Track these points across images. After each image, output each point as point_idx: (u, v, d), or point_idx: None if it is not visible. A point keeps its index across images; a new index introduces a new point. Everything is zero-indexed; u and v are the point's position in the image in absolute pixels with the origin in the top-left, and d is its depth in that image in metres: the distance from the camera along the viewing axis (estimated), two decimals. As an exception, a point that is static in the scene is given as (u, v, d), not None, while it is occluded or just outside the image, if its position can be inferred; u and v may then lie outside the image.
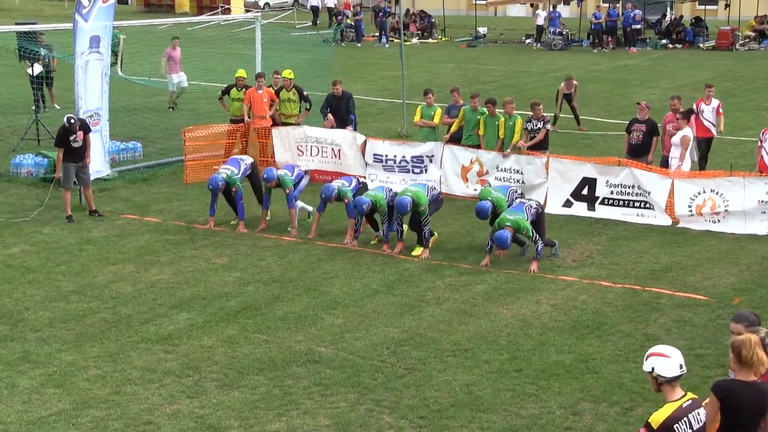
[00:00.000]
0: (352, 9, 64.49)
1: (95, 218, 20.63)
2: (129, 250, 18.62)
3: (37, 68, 31.58)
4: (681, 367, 7.78)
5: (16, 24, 35.94)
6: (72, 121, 20.24)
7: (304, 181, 20.83)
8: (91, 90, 22.29)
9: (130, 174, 24.27)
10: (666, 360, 7.81)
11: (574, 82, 30.35)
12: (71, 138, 20.32)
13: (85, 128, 20.77)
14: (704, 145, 22.95)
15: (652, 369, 7.82)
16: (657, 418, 7.71)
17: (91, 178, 22.02)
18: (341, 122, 24.44)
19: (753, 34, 57.94)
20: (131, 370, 13.36)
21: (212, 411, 12.22)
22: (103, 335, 14.56)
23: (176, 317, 15.29)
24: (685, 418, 7.71)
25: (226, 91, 26.08)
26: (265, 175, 19.87)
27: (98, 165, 22.76)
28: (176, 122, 27.10)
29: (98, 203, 21.48)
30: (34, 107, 29.62)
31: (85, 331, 14.69)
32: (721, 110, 22.87)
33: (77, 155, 20.68)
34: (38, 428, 11.76)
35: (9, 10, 76.14)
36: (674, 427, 7.67)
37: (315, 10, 71.38)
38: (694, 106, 22.83)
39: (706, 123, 22.70)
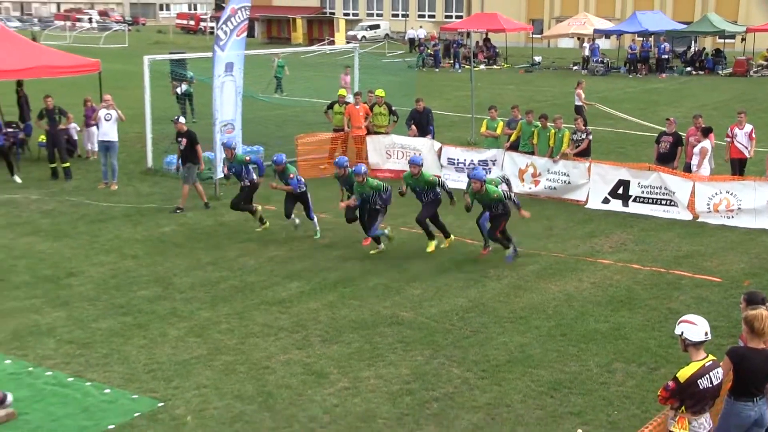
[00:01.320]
0: (435, 41, 64.40)
1: (222, 205, 20.89)
2: (252, 232, 18.87)
3: (184, 87, 32.27)
4: (706, 334, 7.94)
5: (170, 53, 36.77)
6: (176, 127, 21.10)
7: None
8: (227, 105, 22.55)
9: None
10: (694, 327, 7.96)
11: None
12: (179, 140, 20.99)
13: (191, 138, 20.95)
14: (737, 165, 21.99)
15: (682, 333, 7.96)
16: (684, 374, 7.80)
17: (223, 174, 22.35)
18: (422, 132, 24.57)
19: (765, 63, 57.04)
20: (253, 325, 13.58)
21: (316, 360, 12.39)
22: (232, 297, 14.83)
23: (289, 285, 15.48)
24: (707, 375, 7.83)
25: (330, 106, 26.35)
26: (274, 158, 18.78)
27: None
28: (291, 131, 27.29)
29: (230, 195, 21.75)
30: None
31: (219, 294, 14.96)
32: (753, 135, 21.95)
33: (183, 157, 21.03)
34: (183, 368, 12.05)
35: (165, 43, 77.52)
36: (698, 381, 7.82)
37: (411, 41, 71.93)
38: (729, 131, 22.11)
39: (739, 146, 21.83)
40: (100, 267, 16.42)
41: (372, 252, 17.36)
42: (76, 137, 26.82)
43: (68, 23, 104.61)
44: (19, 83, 27.83)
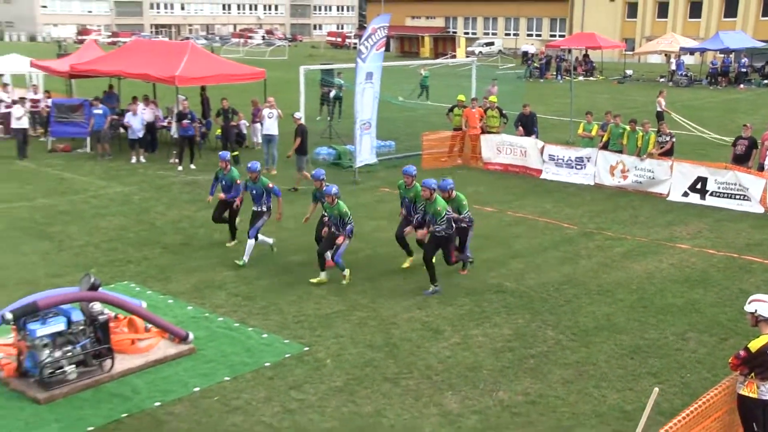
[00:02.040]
0: (542, 56, 63.44)
1: (359, 188, 21.10)
2: (384, 212, 18.95)
3: (333, 92, 32.69)
4: None
5: (321, 64, 37.27)
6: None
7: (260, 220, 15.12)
8: (366, 107, 22.70)
9: (387, 162, 24.62)
10: (766, 304, 7.79)
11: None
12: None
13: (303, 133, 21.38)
14: None
15: (755, 310, 7.79)
16: (755, 344, 7.66)
17: (361, 164, 22.63)
18: (528, 132, 24.28)
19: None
20: (383, 289, 13.69)
21: (434, 319, 12.41)
22: (367, 265, 14.95)
23: (413, 258, 15.52)
24: None
25: (451, 109, 26.26)
26: (249, 165, 15.17)
27: (368, 155, 23.25)
28: (418, 129, 27.33)
29: (366, 180, 21.99)
30: (329, 118, 30.62)
31: (355, 261, 15.00)
32: None
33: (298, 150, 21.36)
34: (325, 320, 12.30)
35: (317, 56, 78.58)
36: (767, 352, 7.62)
37: (525, 54, 71.09)
38: None
39: None
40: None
41: (313, 281, 13.93)
42: (245, 131, 27.43)
43: (242, 40, 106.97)
44: (203, 88, 28.61)
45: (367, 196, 20.47)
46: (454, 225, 13.65)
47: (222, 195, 15.83)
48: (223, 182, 15.82)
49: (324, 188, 14.23)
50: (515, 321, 12.37)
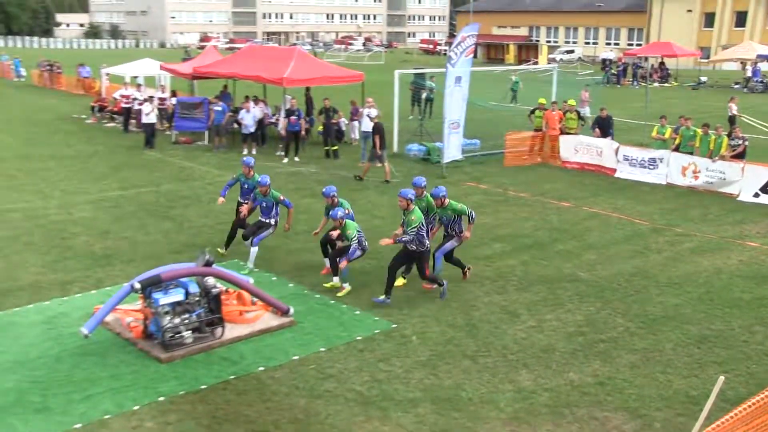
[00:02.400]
0: (620, 63, 61.95)
1: (446, 182, 21.01)
2: (468, 203, 18.84)
3: (425, 94, 32.69)
4: None
5: (414, 68, 37.28)
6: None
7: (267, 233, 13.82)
8: (454, 108, 22.55)
9: (472, 158, 24.46)
10: None
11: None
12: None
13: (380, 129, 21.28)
14: None
15: None
16: None
17: (449, 160, 22.54)
18: (604, 134, 23.75)
19: None
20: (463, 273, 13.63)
21: (511, 303, 12.30)
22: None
23: (493, 245, 15.40)
24: None
25: (533, 111, 25.95)
26: (259, 179, 13.65)
27: (455, 152, 23.14)
28: (501, 129, 27.05)
29: (452, 175, 21.90)
30: (420, 117, 30.64)
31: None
32: None
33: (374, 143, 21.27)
34: (411, 300, 12.23)
35: (410, 61, 78.74)
36: None
37: (604, 60, 69.53)
38: None
39: None
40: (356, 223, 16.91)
41: (327, 285, 12.82)
42: (344, 128, 27.64)
43: (343, 46, 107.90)
44: (307, 88, 28.94)
45: (452, 189, 20.32)
46: (425, 242, 11.96)
47: (245, 209, 14.28)
48: (245, 186, 14.44)
49: (332, 212, 12.88)
50: (587, 308, 12.16)
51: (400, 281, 12.92)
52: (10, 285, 12.75)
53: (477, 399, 9.24)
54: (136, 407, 8.91)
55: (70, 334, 10.78)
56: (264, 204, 13.72)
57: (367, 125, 23.30)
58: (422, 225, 11.91)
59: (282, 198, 13.67)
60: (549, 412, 8.97)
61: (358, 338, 10.88)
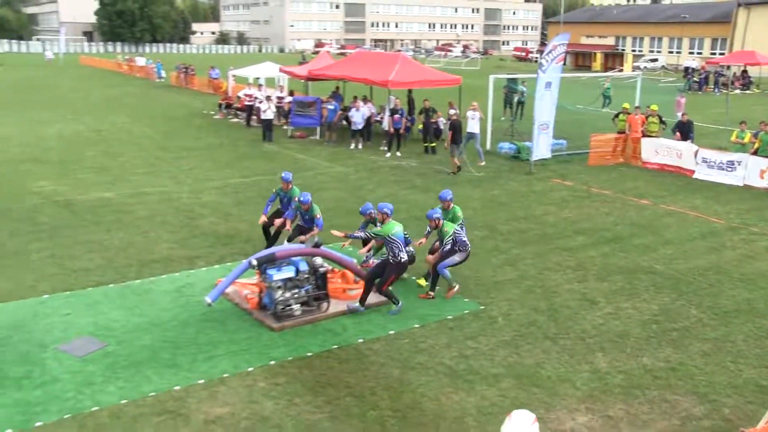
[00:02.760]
0: (703, 71, 59.35)
1: (534, 178, 20.71)
2: (554, 199, 18.54)
3: (517, 97, 32.27)
4: None
5: (507, 74, 36.82)
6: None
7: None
8: (544, 111, 22.10)
9: (559, 157, 23.96)
10: None
11: None
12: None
13: (457, 126, 21.31)
14: None
15: None
16: None
17: (537, 158, 22.17)
18: (684, 138, 22.84)
19: None
20: (549, 263, 13.38)
21: (590, 291, 12.04)
22: (536, 242, 14.67)
23: (576, 238, 15.07)
24: None
25: (617, 115, 25.15)
26: (301, 198, 12.67)
27: (544, 151, 22.72)
28: (586, 131, 26.42)
29: (540, 172, 21.54)
30: (512, 118, 30.26)
31: (527, 238, 14.85)
32: None
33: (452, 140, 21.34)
34: (498, 285, 12.15)
35: (504, 67, 78.16)
36: None
37: (686, 69, 66.75)
38: None
39: None
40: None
41: (421, 283, 12.04)
42: (442, 127, 27.54)
43: (443, 53, 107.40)
44: (409, 90, 28.99)
45: (539, 185, 20.06)
46: (399, 259, 10.88)
47: (278, 221, 13.37)
48: (284, 199, 13.49)
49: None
50: (662, 298, 11.77)
51: (422, 282, 12.06)
52: (148, 258, 13.34)
53: (555, 377, 9.11)
54: (250, 369, 9.19)
55: (196, 302, 11.20)
56: (306, 216, 12.78)
57: (472, 127, 22.91)
58: (457, 230, 11.50)
59: (318, 216, 12.59)
60: (622, 393, 8.76)
61: (449, 317, 10.88)
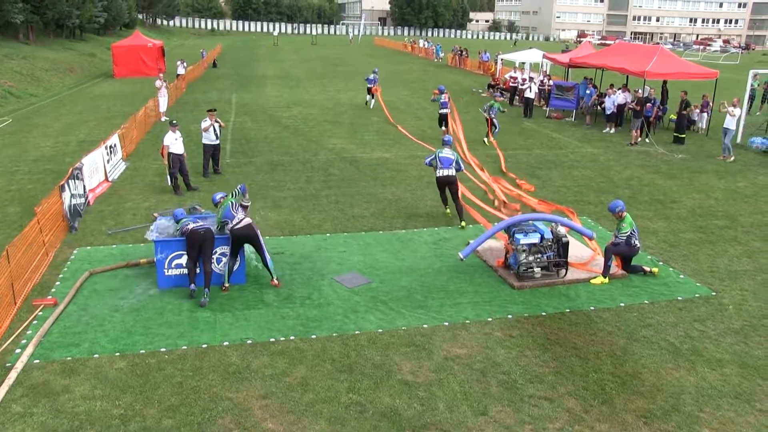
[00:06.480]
0: None
1: None
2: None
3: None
4: None
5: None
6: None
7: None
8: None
9: None
10: None
11: None
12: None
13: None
14: None
15: None
16: None
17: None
18: None
19: None
20: (791, 261, 11.81)
21: None
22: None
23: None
24: None
25: None
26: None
27: None
28: None
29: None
30: None
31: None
32: None
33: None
34: (733, 275, 11.00)
35: (765, 62, 68.03)
36: None
37: None
38: None
39: None
40: (691, 201, 15.46)
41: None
42: (695, 118, 24.98)
43: (701, 47, 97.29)
44: (665, 81, 26.57)
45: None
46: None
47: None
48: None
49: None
50: None
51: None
52: (414, 212, 13.98)
53: (786, 373, 8.10)
54: (489, 319, 9.33)
55: (449, 255, 11.56)
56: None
57: (729, 123, 20.43)
58: (633, 231, 10.69)
59: None
60: None
61: (679, 298, 10.10)
